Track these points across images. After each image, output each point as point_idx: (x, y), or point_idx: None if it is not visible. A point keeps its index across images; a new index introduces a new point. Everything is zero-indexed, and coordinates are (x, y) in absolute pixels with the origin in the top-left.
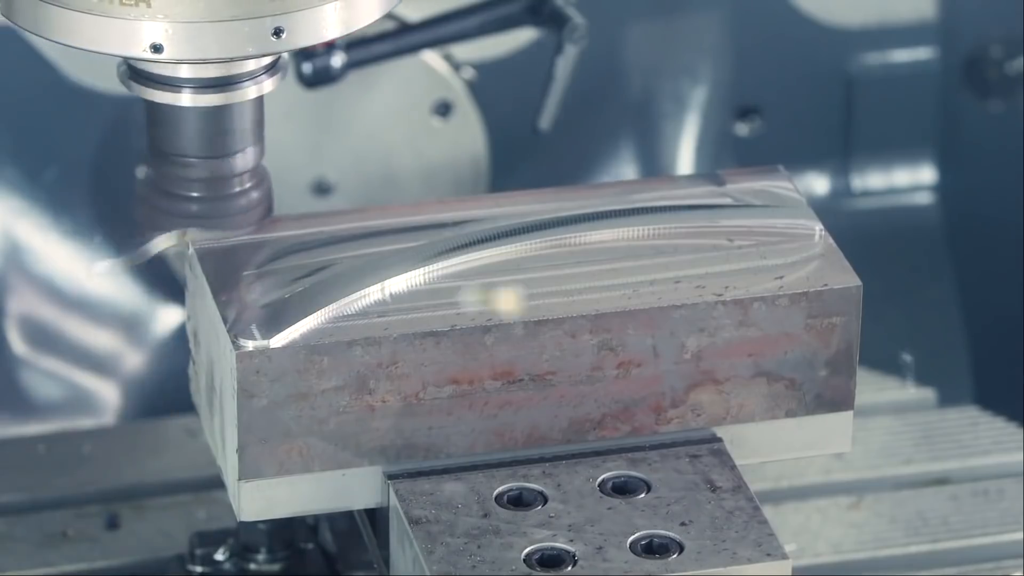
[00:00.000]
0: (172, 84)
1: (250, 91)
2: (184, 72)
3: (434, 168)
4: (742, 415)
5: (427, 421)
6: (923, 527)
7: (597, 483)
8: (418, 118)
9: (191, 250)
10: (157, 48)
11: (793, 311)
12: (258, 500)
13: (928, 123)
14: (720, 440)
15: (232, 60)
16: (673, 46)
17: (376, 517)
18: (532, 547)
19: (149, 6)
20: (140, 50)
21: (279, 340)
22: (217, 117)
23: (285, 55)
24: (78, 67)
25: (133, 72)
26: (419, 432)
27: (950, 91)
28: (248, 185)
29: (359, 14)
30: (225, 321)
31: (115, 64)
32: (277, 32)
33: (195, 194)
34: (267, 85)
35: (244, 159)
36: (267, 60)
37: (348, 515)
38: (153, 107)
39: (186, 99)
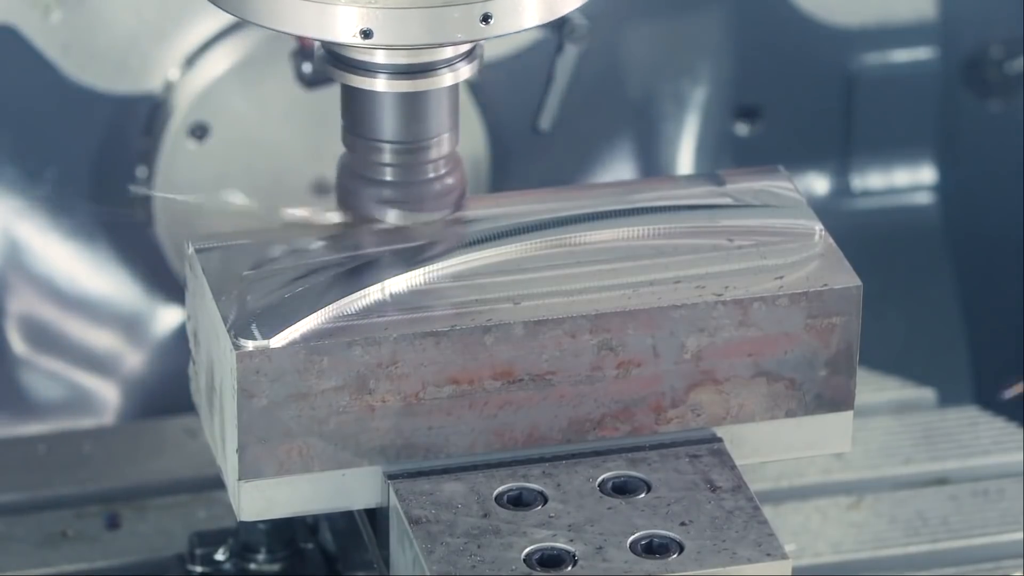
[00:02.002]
0: (372, 70)
1: (447, 78)
2: (385, 58)
3: None
4: (742, 415)
5: (427, 421)
6: (923, 527)
7: (597, 483)
8: None
9: (191, 250)
10: (367, 34)
11: (793, 311)
12: (258, 500)
13: (928, 123)
14: (720, 440)
15: (441, 46)
16: (673, 46)
17: (376, 517)
18: (532, 547)
19: None
20: (350, 36)
21: (279, 340)
22: (414, 103)
23: (482, 42)
24: (78, 67)
25: (331, 57)
26: (419, 432)
27: (950, 91)
28: (443, 171)
29: (564, 0)
30: (225, 321)
31: (114, 63)
32: (485, 18)
33: (389, 179)
34: (464, 72)
35: (439, 145)
36: (465, 47)
37: (348, 515)
38: (351, 92)
39: (386, 85)
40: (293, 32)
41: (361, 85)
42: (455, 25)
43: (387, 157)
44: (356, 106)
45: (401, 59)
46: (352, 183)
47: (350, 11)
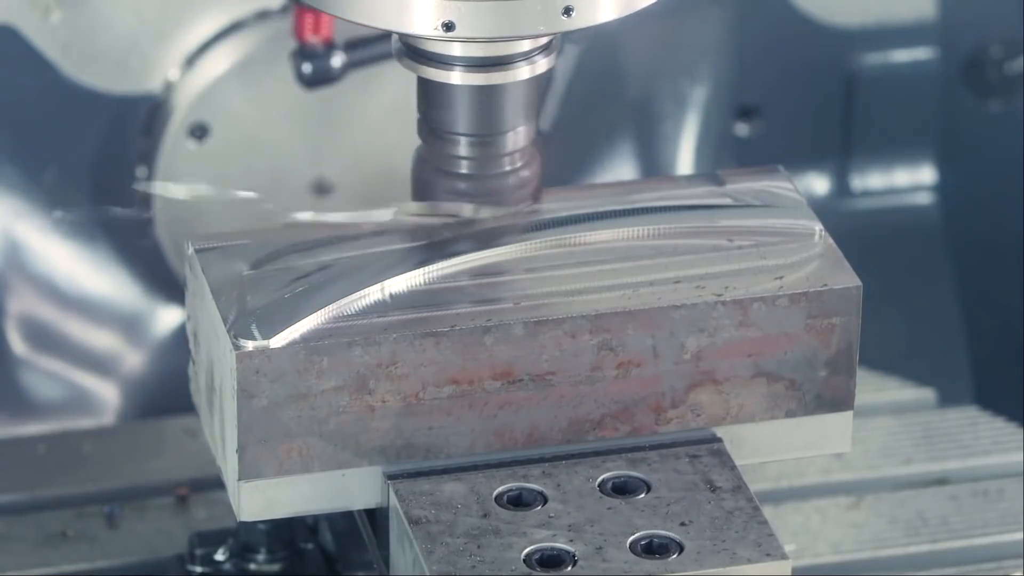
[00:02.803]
0: (449, 62)
1: (524, 71)
2: (462, 50)
3: None
4: (742, 415)
5: (427, 421)
6: (923, 527)
7: (597, 483)
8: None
9: (191, 250)
10: (449, 26)
11: (793, 311)
12: (258, 500)
13: (928, 123)
14: (720, 440)
15: (522, 38)
16: (673, 46)
17: (376, 517)
18: (532, 547)
19: None
20: (431, 28)
21: (279, 340)
22: (491, 96)
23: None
24: (78, 67)
25: (408, 49)
26: (419, 432)
27: (950, 91)
28: (519, 164)
29: None
30: (225, 321)
31: (114, 63)
32: (567, 11)
33: (465, 172)
34: (541, 65)
35: (515, 138)
36: (542, 40)
37: (348, 515)
38: (427, 84)
39: (462, 78)
40: (383, 27)
41: (438, 78)
42: (537, 18)
43: (463, 150)
44: (432, 98)
45: (479, 52)
46: (428, 175)
47: (432, 3)
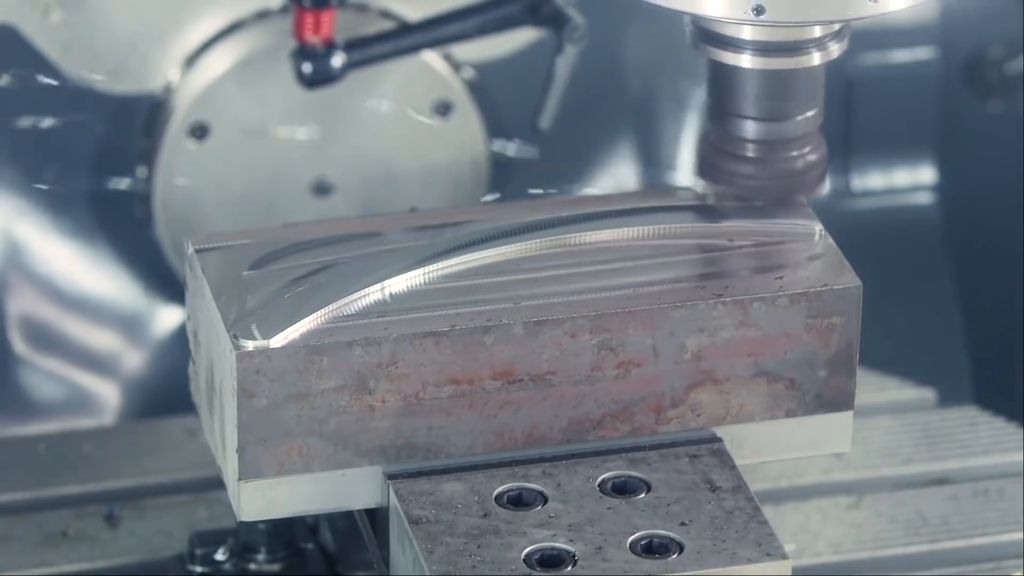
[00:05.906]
0: (743, 46)
1: (815, 57)
2: (759, 35)
3: (434, 168)
4: (742, 415)
5: (427, 421)
6: (923, 527)
7: (597, 483)
8: (418, 118)
9: (191, 250)
10: (759, 10)
11: (793, 311)
12: (258, 500)
13: (928, 123)
14: (720, 440)
15: (830, 23)
16: (673, 46)
17: (376, 517)
18: (532, 547)
19: None
20: (742, 13)
21: (279, 340)
22: (783, 81)
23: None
24: (78, 67)
25: (703, 33)
26: (419, 432)
27: (950, 91)
28: (806, 149)
29: None
30: (225, 321)
31: (114, 63)
32: None
33: (752, 155)
34: (834, 51)
35: (804, 123)
36: (836, 26)
37: (348, 515)
38: (719, 68)
39: (756, 62)
40: (686, 10)
41: (733, 62)
42: (845, 3)
43: (752, 133)
44: (724, 82)
45: (777, 36)
46: (714, 157)
47: None
